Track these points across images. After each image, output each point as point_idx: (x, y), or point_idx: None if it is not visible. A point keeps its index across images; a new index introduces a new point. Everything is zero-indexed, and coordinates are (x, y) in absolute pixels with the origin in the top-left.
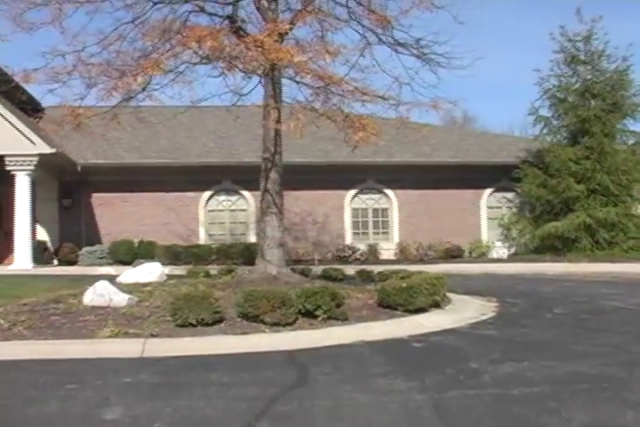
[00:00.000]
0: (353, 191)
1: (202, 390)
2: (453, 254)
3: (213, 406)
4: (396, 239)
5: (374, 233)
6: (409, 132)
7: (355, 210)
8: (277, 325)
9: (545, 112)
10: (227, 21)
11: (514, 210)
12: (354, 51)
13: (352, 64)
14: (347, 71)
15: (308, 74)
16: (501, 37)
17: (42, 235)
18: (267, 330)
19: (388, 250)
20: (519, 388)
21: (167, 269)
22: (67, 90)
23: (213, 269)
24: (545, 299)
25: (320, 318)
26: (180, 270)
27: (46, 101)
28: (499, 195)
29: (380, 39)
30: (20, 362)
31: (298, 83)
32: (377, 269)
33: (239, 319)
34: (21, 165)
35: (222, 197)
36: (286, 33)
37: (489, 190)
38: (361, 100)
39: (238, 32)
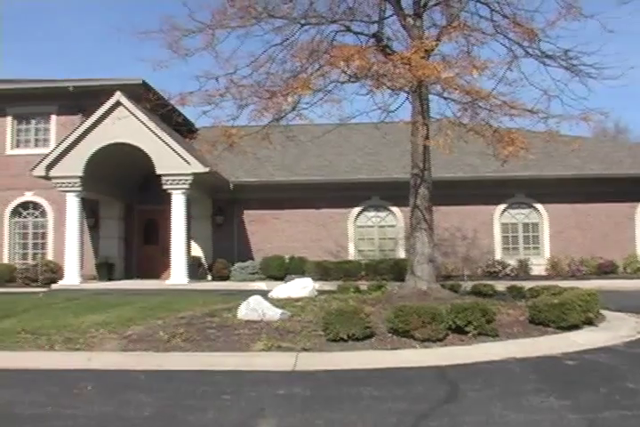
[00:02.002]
0: (502, 206)
1: (353, 404)
2: (607, 270)
3: (364, 419)
4: (547, 255)
5: (524, 248)
6: (559, 145)
7: (504, 225)
8: (427, 340)
9: None
10: (373, 40)
11: None
12: (500, 64)
13: (499, 78)
14: (494, 85)
15: (456, 89)
16: None
17: (196, 251)
18: (417, 345)
19: (538, 265)
20: None
21: (317, 285)
22: (219, 111)
23: (363, 285)
24: None
25: (470, 334)
26: (329, 286)
27: (200, 123)
28: None
29: (527, 52)
30: (180, 372)
31: (445, 99)
32: (527, 284)
33: (389, 335)
34: (177, 183)
35: (371, 213)
36: (432, 49)
37: None
38: (509, 115)
39: (385, 50)
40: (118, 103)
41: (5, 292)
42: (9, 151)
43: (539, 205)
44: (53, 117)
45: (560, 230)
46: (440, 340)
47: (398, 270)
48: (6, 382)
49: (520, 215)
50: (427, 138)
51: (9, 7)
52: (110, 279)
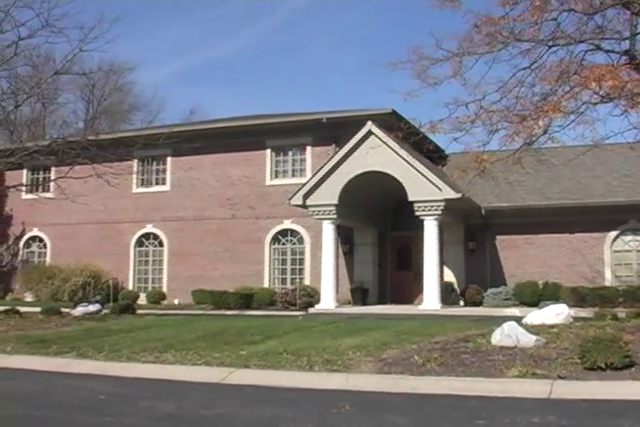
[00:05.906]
0: None
1: None
2: None
3: None
4: None
5: None
6: None
7: None
8: None
9: None
10: (625, 57)
11: None
12: None
13: None
14: None
15: None
16: None
17: (448, 276)
18: None
19: None
20: None
21: (572, 312)
22: (470, 137)
23: (621, 312)
24: None
25: None
26: (585, 313)
27: (450, 149)
28: None
29: None
30: (434, 396)
31: None
32: None
33: None
34: (429, 210)
35: (629, 237)
36: None
37: None
38: None
39: (638, 67)
40: (370, 133)
41: (267, 315)
42: (268, 182)
43: None
44: (308, 148)
45: None
46: None
47: None
48: (270, 398)
49: None
50: None
51: (269, 45)
52: (364, 304)
